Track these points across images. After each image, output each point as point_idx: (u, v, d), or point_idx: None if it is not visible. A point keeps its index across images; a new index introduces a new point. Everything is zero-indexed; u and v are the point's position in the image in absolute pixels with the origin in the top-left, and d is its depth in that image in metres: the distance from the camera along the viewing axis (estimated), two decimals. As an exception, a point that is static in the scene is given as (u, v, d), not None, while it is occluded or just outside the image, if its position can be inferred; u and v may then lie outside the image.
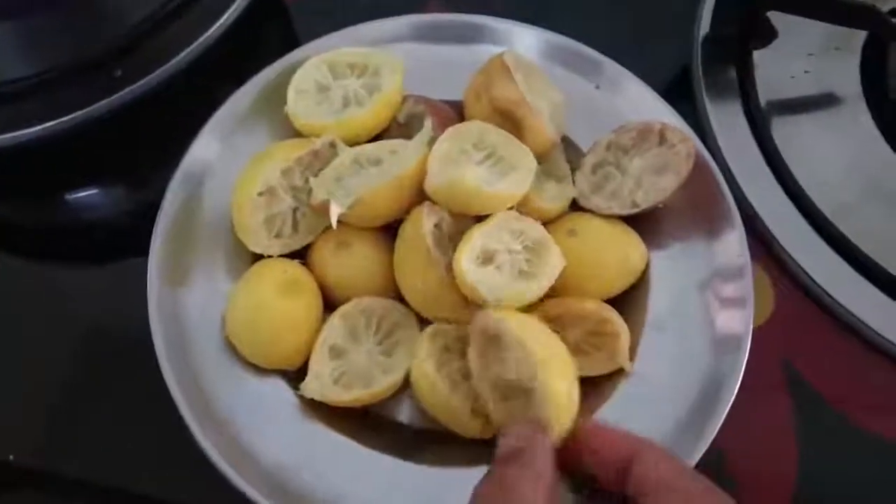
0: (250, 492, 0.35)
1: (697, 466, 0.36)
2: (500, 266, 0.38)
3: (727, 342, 0.40)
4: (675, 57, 0.53)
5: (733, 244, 0.41)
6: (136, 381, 0.41)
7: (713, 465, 0.39)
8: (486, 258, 0.38)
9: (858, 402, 0.43)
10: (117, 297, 0.45)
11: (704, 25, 0.53)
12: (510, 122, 0.41)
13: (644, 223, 0.42)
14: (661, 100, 0.45)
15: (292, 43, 0.48)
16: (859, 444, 0.42)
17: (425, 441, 0.39)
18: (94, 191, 0.50)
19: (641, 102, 0.45)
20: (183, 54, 0.46)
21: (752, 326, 0.39)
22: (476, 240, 0.37)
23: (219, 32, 0.47)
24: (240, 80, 0.45)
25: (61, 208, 0.50)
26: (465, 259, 0.36)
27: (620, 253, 0.41)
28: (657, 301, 0.41)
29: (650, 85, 0.46)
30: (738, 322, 0.40)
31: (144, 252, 0.40)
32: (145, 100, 0.46)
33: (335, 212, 0.38)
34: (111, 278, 0.46)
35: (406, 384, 0.39)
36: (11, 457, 0.41)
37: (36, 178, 0.50)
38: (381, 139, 0.43)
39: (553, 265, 0.38)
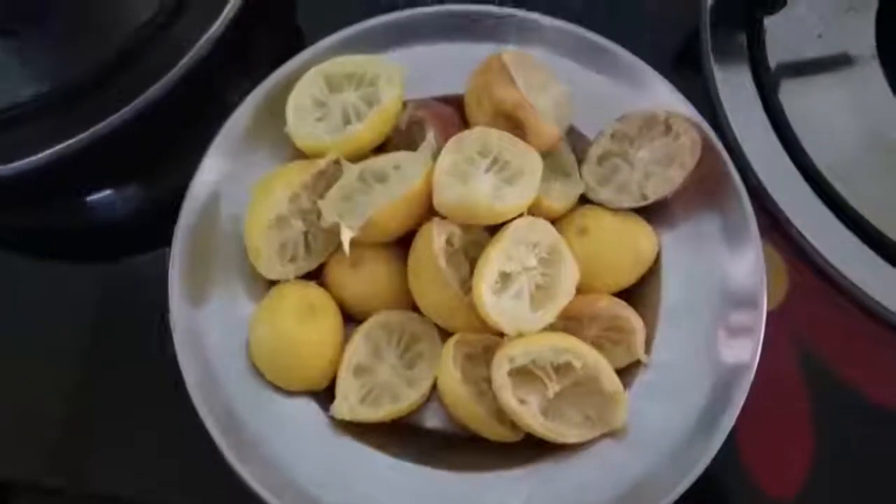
0: None
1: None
2: (519, 292, 0.38)
3: (741, 328, 0.40)
4: (683, 23, 0.51)
5: (744, 231, 0.41)
6: (154, 387, 0.42)
7: (728, 449, 0.40)
8: (504, 280, 0.38)
9: (874, 382, 0.44)
10: (134, 297, 0.46)
11: (714, -10, 0.51)
12: (513, 122, 0.41)
13: (653, 209, 0.42)
14: (667, 83, 0.44)
15: (293, 39, 0.47)
16: (876, 423, 0.43)
17: (455, 446, 0.41)
18: (108, 193, 0.50)
19: (646, 87, 0.44)
20: (184, 60, 0.45)
21: (765, 311, 0.40)
22: (494, 262, 0.37)
23: (219, 32, 0.46)
24: (245, 79, 0.44)
25: (77, 211, 0.50)
26: (485, 288, 0.37)
27: (632, 247, 0.41)
28: (670, 289, 0.42)
29: (657, 53, 0.45)
30: (751, 309, 0.40)
31: (160, 251, 0.41)
32: (151, 109, 0.45)
33: (346, 235, 0.38)
34: (126, 280, 0.47)
35: (432, 392, 0.40)
36: (44, 476, 0.42)
37: (48, 184, 0.49)
38: (384, 148, 0.43)
39: (568, 284, 0.38)
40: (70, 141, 0.44)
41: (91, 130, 0.44)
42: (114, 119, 0.44)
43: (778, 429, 0.43)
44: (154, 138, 0.49)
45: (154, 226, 0.43)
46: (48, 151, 0.44)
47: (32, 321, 0.46)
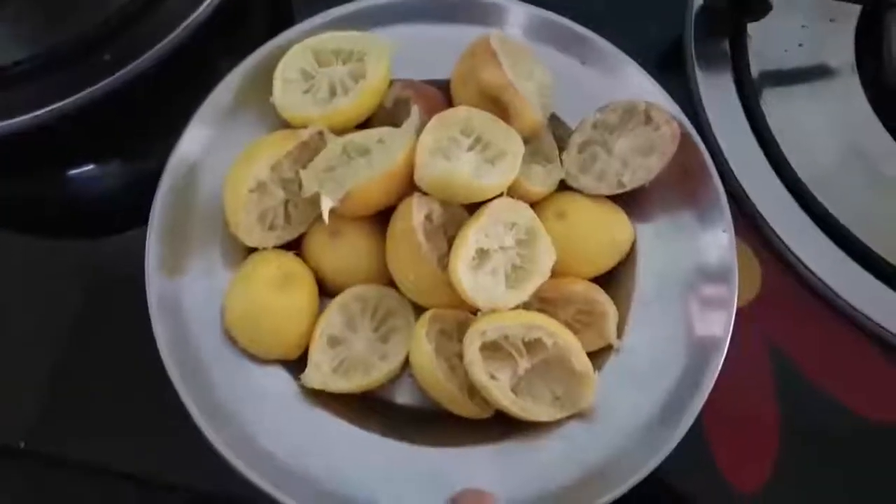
0: (255, 478, 0.37)
1: (681, 441, 0.38)
2: (495, 270, 0.39)
3: (712, 320, 0.41)
4: (667, 29, 0.53)
5: (719, 222, 0.42)
6: (133, 360, 0.42)
7: (696, 440, 0.41)
8: (481, 257, 0.39)
9: (842, 381, 0.44)
10: (114, 271, 0.46)
11: (698, -3, 0.52)
12: (498, 105, 0.42)
13: (631, 199, 0.43)
14: (649, 76, 0.45)
15: (285, 14, 0.47)
16: (842, 421, 0.44)
17: (425, 422, 0.41)
18: (90, 167, 0.50)
19: (629, 79, 0.45)
20: (173, 34, 0.45)
21: (736, 304, 0.41)
22: (471, 240, 0.38)
23: (209, 9, 0.46)
24: (235, 54, 0.45)
25: (58, 184, 0.50)
26: (461, 264, 0.37)
27: (608, 234, 0.42)
28: (644, 277, 0.43)
29: (641, 56, 0.46)
30: (722, 301, 0.41)
31: (141, 226, 0.41)
32: (138, 80, 0.45)
33: (326, 205, 0.38)
34: (107, 254, 0.47)
35: (404, 368, 0.41)
36: (22, 444, 0.42)
37: (31, 156, 0.50)
38: (369, 125, 0.43)
39: (543, 265, 0.39)
40: (52, 107, 0.44)
41: (75, 97, 0.44)
42: (99, 87, 0.44)
43: (745, 423, 0.43)
44: (139, 112, 0.49)
45: (136, 201, 0.43)
46: (30, 115, 0.43)
47: (13, 295, 0.46)
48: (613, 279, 0.43)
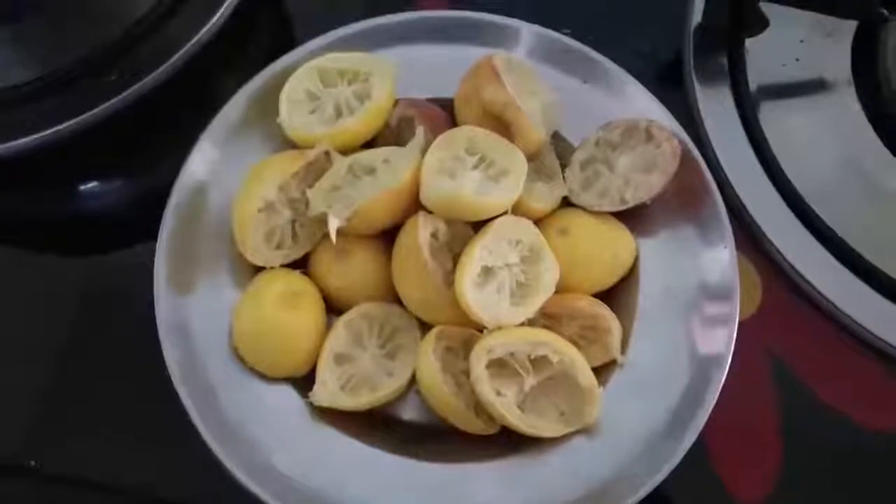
0: (263, 495, 0.37)
1: (684, 454, 0.38)
2: (500, 287, 0.39)
3: (714, 334, 0.41)
4: (666, 44, 0.53)
5: (720, 238, 0.43)
6: (140, 376, 0.42)
7: (698, 454, 0.41)
8: (486, 274, 0.39)
9: (843, 392, 0.45)
10: (121, 288, 0.46)
11: (696, 14, 0.52)
12: (501, 124, 0.42)
13: (633, 215, 0.44)
14: (650, 94, 0.46)
15: (289, 35, 0.47)
16: (844, 434, 0.44)
17: (431, 438, 0.41)
18: (97, 183, 0.50)
19: (630, 97, 0.46)
20: (180, 53, 0.46)
21: (737, 319, 0.41)
22: (477, 257, 0.38)
23: (214, 29, 0.47)
24: (240, 74, 0.45)
25: (66, 200, 0.50)
26: (467, 281, 0.38)
27: (610, 250, 0.43)
28: (646, 293, 0.43)
29: (641, 71, 0.46)
30: (724, 315, 0.41)
31: (148, 242, 0.41)
32: (144, 99, 0.46)
33: (333, 224, 0.39)
34: (114, 271, 0.47)
35: (411, 385, 0.41)
36: (33, 462, 0.42)
37: (38, 172, 0.50)
38: (374, 144, 0.44)
39: (548, 282, 0.40)
40: (61, 126, 0.44)
41: (83, 117, 0.44)
42: (106, 107, 0.45)
43: (747, 436, 0.44)
44: (145, 130, 0.50)
45: (143, 218, 0.43)
46: (39, 135, 0.44)
47: (21, 310, 0.46)
48: (616, 295, 0.43)
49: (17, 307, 0.46)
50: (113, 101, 0.45)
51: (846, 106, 0.51)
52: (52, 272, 0.47)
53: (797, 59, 0.52)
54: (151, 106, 0.46)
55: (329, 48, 0.46)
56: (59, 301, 0.46)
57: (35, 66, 0.47)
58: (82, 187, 0.50)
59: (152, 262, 0.41)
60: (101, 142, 0.48)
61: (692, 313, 0.42)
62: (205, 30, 0.47)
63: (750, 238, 0.47)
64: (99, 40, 0.47)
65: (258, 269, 0.42)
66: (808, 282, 0.45)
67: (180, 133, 0.44)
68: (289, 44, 0.46)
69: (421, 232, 0.39)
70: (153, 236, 0.42)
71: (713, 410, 0.39)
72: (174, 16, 0.48)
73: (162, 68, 0.46)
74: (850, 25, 0.52)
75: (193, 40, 0.47)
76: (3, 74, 0.46)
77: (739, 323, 0.41)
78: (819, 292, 0.45)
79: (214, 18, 0.47)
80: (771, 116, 0.50)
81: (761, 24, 0.50)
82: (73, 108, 0.45)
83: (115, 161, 0.50)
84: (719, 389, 0.40)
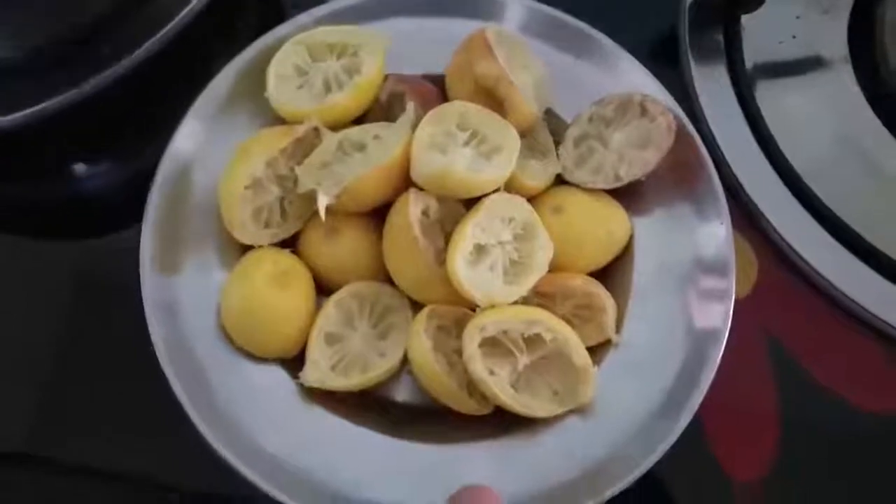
0: (253, 477, 0.36)
1: (680, 434, 0.38)
2: (493, 265, 0.38)
3: (710, 312, 0.41)
4: (662, 21, 0.53)
5: (715, 215, 0.42)
6: (129, 359, 0.41)
7: (694, 435, 0.40)
8: (479, 252, 0.38)
9: (839, 372, 0.45)
10: (110, 270, 0.45)
11: (692, -11, 0.52)
12: (494, 99, 0.41)
13: (628, 193, 0.43)
14: (644, 69, 0.45)
15: (279, 8, 0.46)
16: (841, 416, 0.44)
17: (423, 419, 0.41)
18: (84, 165, 0.49)
19: (624, 72, 0.45)
20: (169, 26, 0.45)
21: (734, 297, 0.41)
22: (469, 234, 0.38)
23: (205, 2, 0.46)
24: (229, 48, 0.44)
25: (53, 182, 0.49)
26: (459, 258, 0.37)
27: (605, 228, 0.42)
28: (642, 271, 0.43)
29: (636, 48, 0.46)
30: (720, 293, 0.41)
31: (136, 224, 0.41)
32: (135, 74, 0.44)
33: (322, 202, 0.38)
34: (104, 250, 0.47)
35: (403, 365, 0.40)
36: (25, 447, 0.42)
37: (24, 154, 0.49)
38: (364, 120, 0.43)
39: (541, 260, 0.39)
40: (46, 103, 0.43)
41: (68, 94, 0.43)
42: (91, 83, 0.43)
43: (744, 415, 0.44)
44: (131, 109, 0.49)
45: (130, 199, 0.42)
46: (31, 109, 0.43)
47: (6, 294, 0.45)
48: (611, 273, 0.43)
49: (7, 291, 0.46)
50: (97, 77, 0.43)
51: (843, 83, 0.50)
52: (43, 256, 0.47)
53: (794, 37, 0.51)
54: (141, 83, 0.45)
55: (320, 22, 0.45)
56: (50, 285, 0.45)
57: (27, 39, 0.45)
58: (72, 169, 0.49)
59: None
60: (89, 121, 0.47)
61: (688, 290, 0.41)
62: (188, 7, 0.45)
63: (746, 216, 0.47)
64: (89, 13, 0.46)
65: (246, 249, 0.41)
66: (805, 261, 0.45)
67: (166, 113, 0.43)
68: (277, 18, 0.45)
69: (412, 209, 0.38)
70: (140, 218, 0.41)
71: (710, 391, 0.39)
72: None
73: (154, 38, 0.44)
74: (847, 2, 0.52)
75: (185, 10, 0.45)
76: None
77: (736, 301, 0.41)
78: (816, 271, 0.45)
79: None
80: (767, 94, 0.49)
81: (757, 0, 0.49)
82: (66, 82, 0.43)
83: (104, 142, 0.50)
84: (715, 368, 0.39)
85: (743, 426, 0.43)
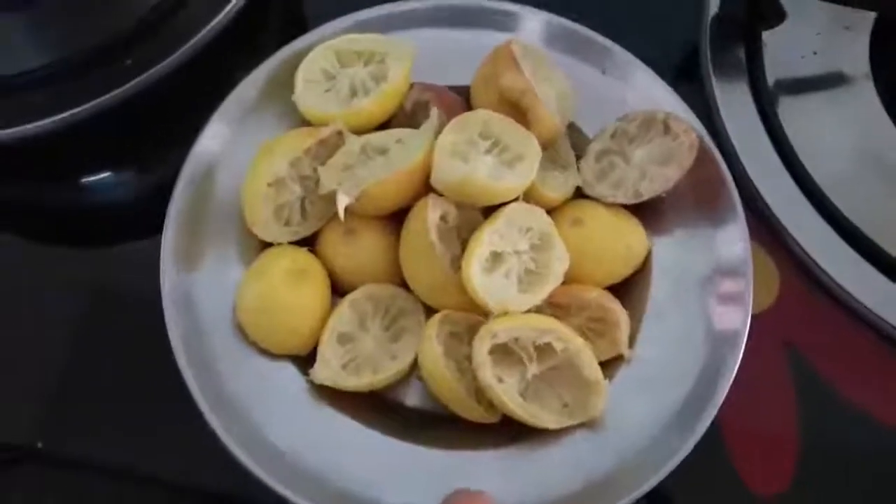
0: (260, 473, 0.36)
1: (698, 449, 0.38)
2: (508, 273, 0.39)
3: (726, 330, 0.40)
4: (683, 37, 0.53)
5: (735, 233, 0.42)
6: (147, 363, 0.42)
7: (715, 449, 0.40)
8: (494, 260, 0.38)
9: (861, 385, 0.44)
10: (129, 279, 0.46)
11: (713, 5, 0.52)
12: (518, 111, 0.42)
13: (647, 209, 0.43)
14: (667, 87, 0.45)
15: (302, 24, 0.47)
16: (862, 428, 0.43)
17: (431, 424, 0.41)
18: (107, 174, 0.50)
19: (647, 89, 0.45)
20: (194, 40, 0.46)
21: (750, 315, 0.40)
22: (486, 241, 0.38)
23: (229, 17, 0.47)
24: (252, 63, 0.45)
25: (75, 191, 0.50)
26: (475, 265, 0.37)
27: (623, 242, 0.42)
28: (658, 287, 0.42)
29: (658, 64, 0.46)
30: (737, 310, 0.41)
31: (156, 234, 0.41)
32: (157, 86, 0.46)
33: (342, 203, 0.38)
34: (124, 260, 0.47)
35: (413, 369, 0.40)
36: (39, 444, 0.42)
37: (48, 162, 0.50)
38: (388, 127, 0.43)
39: (557, 270, 0.39)
40: (76, 109, 0.44)
41: (93, 103, 0.44)
42: (117, 93, 0.45)
43: (765, 428, 0.43)
44: (155, 119, 0.50)
45: (152, 208, 0.43)
46: (53, 118, 0.44)
47: (28, 300, 0.46)
48: (627, 288, 0.43)
49: (24, 297, 0.46)
50: (128, 85, 0.45)
51: (865, 99, 0.50)
52: (62, 262, 0.47)
53: (815, 53, 0.51)
54: (164, 94, 0.46)
55: (346, 31, 0.45)
56: (68, 290, 0.46)
57: (50, 50, 0.47)
58: (91, 178, 0.50)
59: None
60: (112, 132, 0.48)
61: (704, 308, 0.41)
62: (220, 16, 0.47)
63: (768, 230, 0.46)
64: (114, 26, 0.47)
65: (266, 247, 0.42)
66: (827, 274, 0.45)
67: (190, 123, 0.44)
68: (302, 31, 0.46)
69: (430, 214, 0.38)
70: (161, 227, 0.41)
71: (731, 404, 0.39)
72: (184, 7, 0.48)
73: (177, 54, 0.46)
74: (869, 18, 0.52)
75: (209, 26, 0.47)
76: (19, 59, 0.47)
77: (757, 315, 0.41)
78: (838, 285, 0.44)
79: (230, 5, 0.47)
80: (789, 109, 0.50)
81: (779, 15, 0.50)
82: (89, 93, 0.45)
83: (126, 152, 0.50)
84: (727, 388, 0.39)
85: (764, 439, 0.43)
